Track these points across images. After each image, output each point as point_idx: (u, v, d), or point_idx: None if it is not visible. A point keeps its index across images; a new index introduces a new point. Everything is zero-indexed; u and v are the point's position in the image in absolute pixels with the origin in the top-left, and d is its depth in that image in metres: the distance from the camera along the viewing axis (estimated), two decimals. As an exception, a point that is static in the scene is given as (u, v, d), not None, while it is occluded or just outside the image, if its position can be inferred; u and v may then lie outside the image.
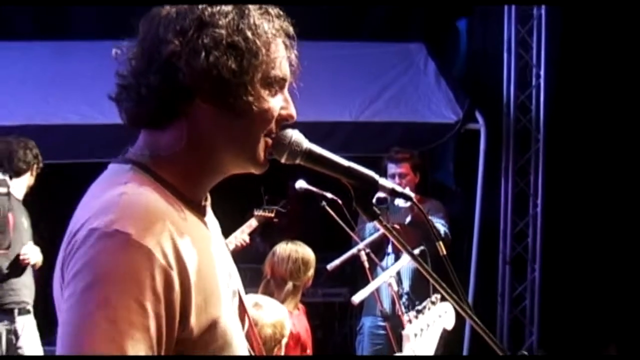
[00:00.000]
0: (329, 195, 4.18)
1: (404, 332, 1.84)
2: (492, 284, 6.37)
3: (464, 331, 5.95)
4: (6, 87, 5.68)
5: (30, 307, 4.70)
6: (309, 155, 1.42)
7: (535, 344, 6.35)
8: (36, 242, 4.77)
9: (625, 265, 6.14)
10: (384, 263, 4.65)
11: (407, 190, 1.54)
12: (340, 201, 4.08)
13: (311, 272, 3.94)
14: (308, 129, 1.45)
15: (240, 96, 1.32)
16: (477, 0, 6.83)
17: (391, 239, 1.49)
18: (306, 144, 1.42)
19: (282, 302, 3.51)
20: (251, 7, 1.36)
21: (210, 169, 1.39)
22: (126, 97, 1.36)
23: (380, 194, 1.46)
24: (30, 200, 4.91)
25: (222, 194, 1.54)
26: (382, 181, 1.46)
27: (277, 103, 1.38)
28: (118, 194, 1.25)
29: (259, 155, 1.38)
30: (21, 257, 4.59)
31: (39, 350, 4.74)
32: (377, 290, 3.82)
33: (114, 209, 1.22)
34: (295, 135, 1.41)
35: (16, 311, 4.60)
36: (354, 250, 4.03)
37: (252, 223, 5.10)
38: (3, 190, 4.64)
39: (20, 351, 4.61)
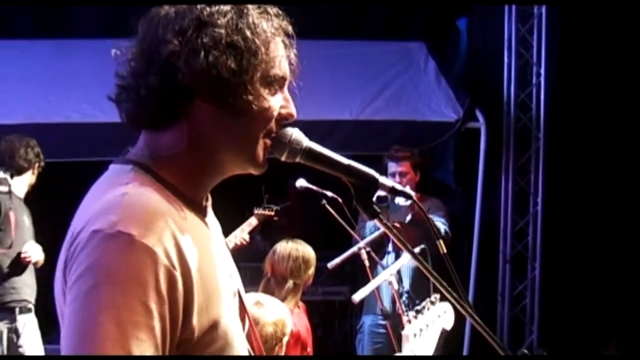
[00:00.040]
0: (330, 193, 4.18)
1: (403, 333, 1.84)
2: (493, 283, 6.37)
3: (464, 330, 5.96)
4: (7, 86, 5.68)
5: (31, 306, 4.70)
6: (309, 153, 1.43)
7: (536, 343, 6.35)
8: (38, 241, 4.77)
9: (626, 263, 6.14)
10: (384, 262, 4.65)
11: (407, 189, 1.54)
12: (340, 200, 4.08)
13: (312, 270, 3.94)
14: (308, 128, 1.45)
15: (240, 95, 1.32)
16: (477, 0, 6.82)
17: (391, 237, 1.49)
18: (306, 142, 1.43)
19: (283, 300, 3.51)
20: (250, 6, 1.36)
21: (211, 169, 1.39)
22: (126, 98, 1.36)
23: (381, 192, 1.46)
24: (31, 199, 4.92)
25: (222, 193, 1.54)
26: (383, 179, 1.46)
27: (277, 102, 1.38)
28: (120, 195, 1.25)
29: (258, 155, 1.38)
30: (22, 255, 4.59)
31: (40, 349, 4.74)
32: (378, 288, 3.82)
33: (116, 209, 1.22)
34: (295, 133, 1.42)
35: (17, 310, 4.60)
36: (354, 249, 4.03)
37: (252, 222, 5.10)
38: (4, 188, 4.64)
39: (21, 350, 4.61)
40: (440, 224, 4.82)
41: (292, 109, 1.41)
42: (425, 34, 6.66)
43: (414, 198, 1.53)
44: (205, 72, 1.29)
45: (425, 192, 5.24)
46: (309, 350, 3.80)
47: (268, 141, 1.39)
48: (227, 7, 1.33)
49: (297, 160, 1.43)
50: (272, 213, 5.18)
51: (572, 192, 6.30)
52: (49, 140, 5.03)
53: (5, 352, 4.56)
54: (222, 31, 1.30)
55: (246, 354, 1.42)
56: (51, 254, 4.55)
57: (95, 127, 5.34)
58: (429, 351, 1.88)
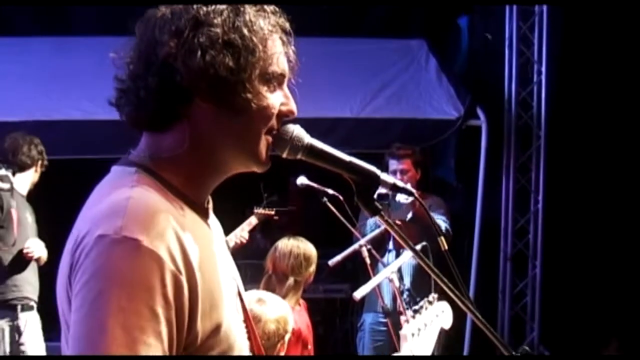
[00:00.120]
0: (330, 191, 4.17)
1: (401, 332, 1.84)
2: (493, 281, 6.37)
3: (464, 328, 5.96)
4: (7, 83, 5.68)
5: (33, 304, 4.70)
6: (311, 150, 1.42)
7: (536, 341, 6.35)
8: (40, 238, 4.78)
9: (626, 261, 6.14)
10: (385, 260, 4.64)
11: (409, 186, 1.54)
12: (341, 197, 4.08)
13: (313, 267, 3.94)
14: (309, 126, 1.45)
15: (239, 94, 1.31)
16: (477, 0, 6.81)
17: (393, 234, 1.49)
18: (307, 139, 1.42)
19: (284, 297, 3.51)
20: (246, 4, 1.36)
21: (213, 168, 1.39)
22: (126, 102, 1.35)
23: (382, 190, 1.46)
24: (31, 196, 4.92)
25: (222, 192, 1.53)
26: (384, 176, 1.46)
27: (277, 99, 1.37)
28: (124, 198, 1.24)
29: (261, 153, 1.38)
30: (25, 251, 4.60)
31: (42, 347, 4.74)
32: (379, 286, 3.82)
33: (122, 214, 1.21)
34: (296, 130, 1.41)
35: (19, 307, 4.60)
36: (355, 246, 4.03)
37: (252, 221, 5.11)
38: (6, 186, 4.65)
39: (22, 348, 4.61)
40: (441, 222, 4.82)
41: (293, 106, 1.40)
42: (426, 32, 6.65)
43: (416, 195, 1.53)
44: (203, 71, 1.28)
45: (426, 190, 5.23)
46: (310, 348, 3.80)
47: (270, 138, 1.38)
48: (223, 6, 1.33)
49: (299, 157, 1.42)
50: (272, 212, 5.19)
51: (573, 191, 6.30)
52: (49, 137, 5.03)
53: (7, 350, 4.56)
54: (219, 30, 1.30)
55: (249, 356, 1.42)
56: (53, 251, 4.56)
57: (95, 124, 5.34)
58: (428, 351, 1.87)
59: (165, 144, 1.35)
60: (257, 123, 1.35)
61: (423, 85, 6.23)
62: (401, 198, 4.33)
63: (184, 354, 1.23)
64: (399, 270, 3.90)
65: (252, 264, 4.82)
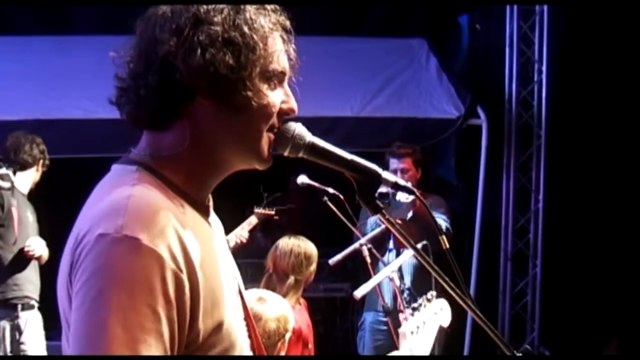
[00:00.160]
0: (331, 190, 4.18)
1: (400, 330, 1.84)
2: (494, 280, 6.37)
3: (465, 326, 5.96)
4: (7, 82, 5.69)
5: (34, 303, 4.70)
6: (312, 148, 1.42)
7: (537, 340, 6.35)
8: (42, 236, 4.78)
9: (627, 261, 6.14)
10: (385, 259, 4.65)
11: (409, 185, 1.53)
12: (341, 196, 4.08)
13: (313, 266, 3.94)
14: (309, 125, 1.45)
15: (239, 92, 1.31)
16: (478, 0, 6.81)
17: (394, 232, 1.49)
18: (309, 137, 1.42)
19: (284, 296, 3.51)
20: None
21: (214, 166, 1.39)
22: (126, 100, 1.35)
23: (382, 189, 1.46)
24: (33, 195, 4.92)
25: (222, 192, 1.53)
26: (386, 174, 1.46)
27: (277, 97, 1.37)
28: (125, 197, 1.24)
29: (263, 150, 1.37)
30: (26, 249, 4.60)
31: (42, 347, 4.74)
32: (379, 285, 3.82)
33: (122, 212, 1.21)
34: (298, 128, 1.41)
35: (19, 306, 4.61)
36: (355, 245, 4.04)
37: (252, 220, 5.11)
38: (6, 184, 4.65)
39: (23, 347, 4.61)
40: (442, 221, 4.81)
41: (293, 104, 1.40)
42: (426, 31, 6.65)
43: (417, 193, 1.52)
44: (203, 69, 1.28)
45: (426, 189, 5.23)
46: (311, 347, 3.80)
47: (272, 135, 1.38)
48: (223, 5, 1.32)
49: (300, 155, 1.42)
50: (273, 212, 5.19)
51: (574, 190, 6.29)
52: (49, 136, 5.04)
53: (7, 349, 4.56)
54: (219, 28, 1.30)
55: (249, 354, 1.42)
56: (53, 249, 4.56)
57: (96, 123, 5.35)
58: (427, 348, 1.87)
59: (166, 142, 1.35)
60: (257, 121, 1.35)
61: (423, 84, 6.23)
62: (401, 197, 4.34)
63: (186, 352, 1.23)
64: (400, 269, 3.90)
65: (252, 263, 4.82)
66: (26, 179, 4.83)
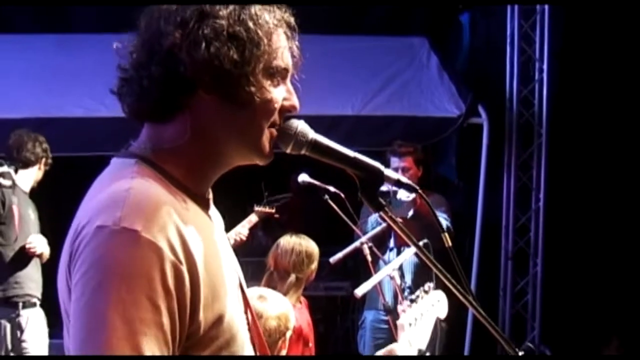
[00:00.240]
0: (332, 188, 4.18)
1: (398, 322, 1.84)
2: (494, 279, 6.37)
3: (466, 325, 5.96)
4: (9, 80, 5.69)
5: (36, 300, 4.70)
6: (315, 145, 1.42)
7: (537, 339, 6.35)
8: (43, 234, 4.78)
9: (627, 260, 6.14)
10: (386, 257, 4.65)
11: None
12: (342, 195, 4.08)
13: (314, 265, 3.94)
14: (310, 123, 1.45)
15: (242, 87, 1.31)
16: (478, 1, 6.81)
17: (396, 229, 1.49)
18: (312, 134, 1.42)
19: (285, 294, 3.51)
20: None
21: (214, 160, 1.39)
22: (128, 91, 1.35)
23: (383, 187, 1.46)
24: (34, 193, 4.93)
25: (223, 189, 1.53)
26: (388, 172, 1.46)
27: (280, 94, 1.37)
28: (125, 189, 1.24)
29: (264, 146, 1.37)
30: (27, 246, 4.60)
31: (44, 344, 4.75)
32: (380, 283, 3.83)
33: (121, 205, 1.21)
34: (301, 125, 1.41)
35: (20, 304, 4.61)
36: (356, 244, 4.04)
37: (252, 218, 5.12)
38: (7, 182, 4.66)
39: (24, 345, 4.61)
40: (443, 220, 4.82)
41: (295, 101, 1.40)
42: (427, 29, 6.65)
43: (419, 190, 1.53)
44: (207, 63, 1.28)
45: (427, 188, 5.23)
46: (311, 346, 3.80)
47: (273, 130, 1.38)
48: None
49: (303, 152, 1.42)
50: (273, 210, 5.20)
51: (575, 188, 6.29)
52: (50, 134, 5.05)
53: (9, 347, 4.57)
54: (224, 22, 1.30)
55: (250, 348, 1.42)
56: (55, 247, 4.56)
57: (97, 121, 5.35)
58: (424, 340, 1.88)
59: (167, 135, 1.35)
60: (259, 117, 1.35)
61: (424, 83, 6.23)
62: (402, 195, 4.35)
63: (186, 345, 1.23)
64: (400, 268, 3.91)
65: (253, 261, 4.81)
66: (28, 177, 4.84)
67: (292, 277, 3.84)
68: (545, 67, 6.30)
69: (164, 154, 1.34)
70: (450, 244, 1.55)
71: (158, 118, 1.36)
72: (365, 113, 5.91)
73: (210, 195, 1.45)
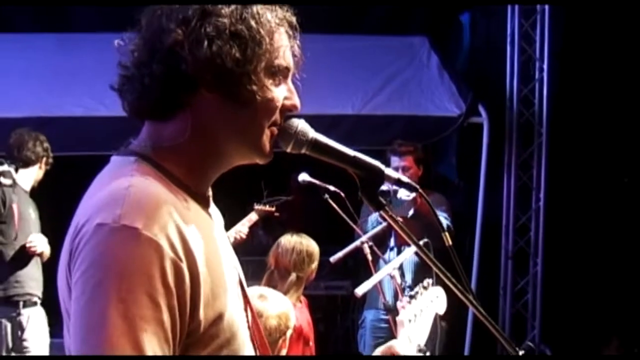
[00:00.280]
0: (332, 188, 4.18)
1: (398, 318, 1.84)
2: (494, 278, 6.37)
3: (466, 324, 5.96)
4: (9, 79, 5.70)
5: (37, 299, 4.70)
6: (315, 144, 1.42)
7: (537, 339, 6.35)
8: (43, 234, 4.78)
9: (628, 260, 6.14)
10: (386, 257, 4.65)
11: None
12: (343, 194, 4.08)
13: (315, 264, 3.94)
14: (310, 122, 1.45)
15: (244, 85, 1.31)
16: (478, 1, 6.81)
17: (396, 229, 1.49)
18: (312, 133, 1.42)
19: (285, 293, 3.51)
20: None
21: (215, 158, 1.38)
22: (129, 88, 1.35)
23: (383, 187, 1.46)
24: (34, 192, 4.93)
25: (223, 188, 1.53)
26: (388, 171, 1.46)
27: (281, 93, 1.37)
28: (124, 187, 1.24)
29: (264, 145, 1.37)
30: (28, 245, 4.60)
31: (45, 343, 4.74)
32: (380, 283, 3.83)
33: (121, 202, 1.21)
34: (301, 124, 1.41)
35: (21, 303, 4.61)
36: (356, 243, 4.04)
37: (252, 217, 5.12)
38: (8, 181, 4.66)
39: (25, 344, 4.61)
40: (443, 219, 4.82)
41: (296, 100, 1.40)
42: (427, 29, 6.65)
43: (419, 189, 1.53)
44: (209, 61, 1.28)
45: (427, 187, 5.22)
46: (311, 345, 3.80)
47: (274, 129, 1.38)
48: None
49: (303, 151, 1.42)
50: (273, 209, 5.20)
51: (575, 188, 6.29)
52: (50, 133, 5.05)
53: (10, 347, 4.57)
54: (226, 20, 1.29)
55: (250, 346, 1.42)
56: (55, 246, 4.57)
57: (97, 120, 5.36)
58: (424, 336, 1.88)
59: (167, 133, 1.35)
60: (260, 116, 1.35)
61: (425, 82, 6.23)
62: (402, 195, 4.34)
63: (187, 342, 1.23)
64: (401, 267, 3.91)
65: (254, 260, 4.81)
66: (28, 176, 4.84)
67: (293, 276, 3.84)
68: (545, 66, 6.30)
69: (164, 152, 1.34)
70: (450, 243, 1.55)
71: (159, 116, 1.35)
72: (365, 112, 5.92)
73: (210, 194, 1.45)
